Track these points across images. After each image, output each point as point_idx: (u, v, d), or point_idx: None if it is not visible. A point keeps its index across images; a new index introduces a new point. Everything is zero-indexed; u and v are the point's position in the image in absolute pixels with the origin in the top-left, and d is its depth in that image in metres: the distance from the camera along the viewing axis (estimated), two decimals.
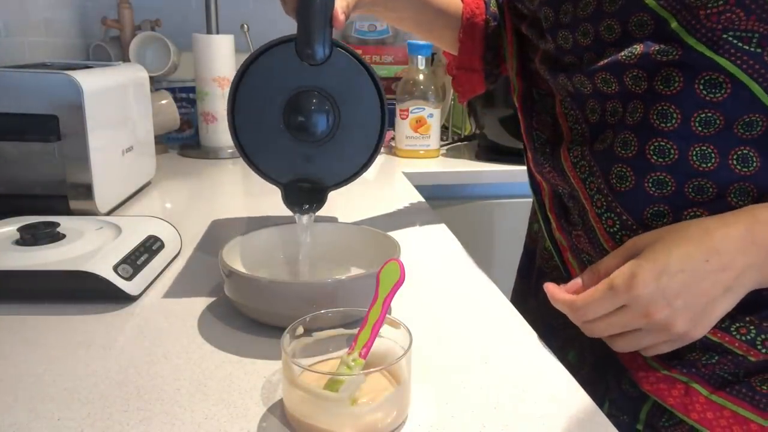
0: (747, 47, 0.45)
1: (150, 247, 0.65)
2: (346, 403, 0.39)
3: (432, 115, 1.31)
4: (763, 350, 0.49)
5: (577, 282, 0.51)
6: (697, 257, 0.45)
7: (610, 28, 0.52)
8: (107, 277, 0.56)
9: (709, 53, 0.46)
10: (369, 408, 0.39)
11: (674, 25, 0.47)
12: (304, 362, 0.44)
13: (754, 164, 0.47)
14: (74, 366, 0.48)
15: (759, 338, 0.49)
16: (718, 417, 0.51)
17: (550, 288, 0.52)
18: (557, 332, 0.61)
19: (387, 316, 0.44)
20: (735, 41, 0.46)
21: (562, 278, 0.62)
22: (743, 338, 0.50)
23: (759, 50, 0.45)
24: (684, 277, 0.45)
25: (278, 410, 0.43)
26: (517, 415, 0.43)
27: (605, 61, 0.52)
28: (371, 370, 0.41)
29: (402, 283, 0.45)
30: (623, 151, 0.51)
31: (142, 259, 0.62)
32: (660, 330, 0.46)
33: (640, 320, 0.46)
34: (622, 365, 0.56)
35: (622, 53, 0.51)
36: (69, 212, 0.80)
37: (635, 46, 0.50)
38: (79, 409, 0.42)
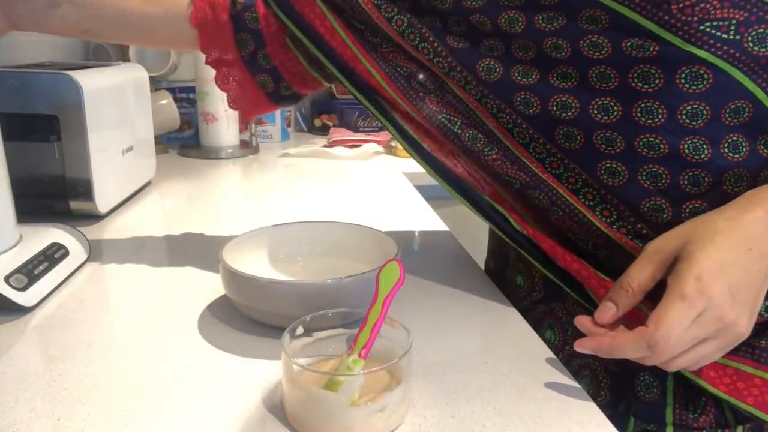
0: (726, 36, 0.45)
1: (51, 255, 0.62)
2: (346, 403, 0.39)
3: None
4: (765, 314, 0.49)
5: (609, 307, 0.46)
6: (741, 247, 0.43)
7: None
8: None
9: (687, 47, 0.46)
10: (369, 408, 0.39)
11: (645, 22, 0.47)
12: (304, 362, 0.44)
13: (744, 150, 0.48)
14: (74, 366, 0.48)
15: (763, 306, 0.49)
16: (721, 375, 0.51)
17: (595, 342, 0.45)
18: (565, 365, 0.55)
19: (387, 316, 0.44)
20: (712, 31, 0.45)
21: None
22: None
23: (738, 37, 0.45)
24: (738, 270, 0.43)
25: (278, 410, 0.43)
26: (517, 415, 0.43)
27: (565, 54, 0.50)
28: (371, 370, 0.41)
29: (402, 283, 0.45)
30: (609, 149, 0.50)
31: (41, 268, 0.59)
32: (727, 334, 0.43)
33: (713, 326, 0.42)
34: (632, 376, 0.54)
35: (584, 47, 0.49)
36: (69, 212, 0.80)
37: (600, 40, 0.49)
38: (79, 409, 0.42)
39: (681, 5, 0.45)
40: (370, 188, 1.07)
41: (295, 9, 0.60)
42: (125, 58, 1.27)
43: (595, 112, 0.51)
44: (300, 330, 0.45)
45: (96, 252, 0.71)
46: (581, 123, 0.51)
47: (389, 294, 0.45)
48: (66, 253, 0.64)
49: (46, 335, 0.53)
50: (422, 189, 1.07)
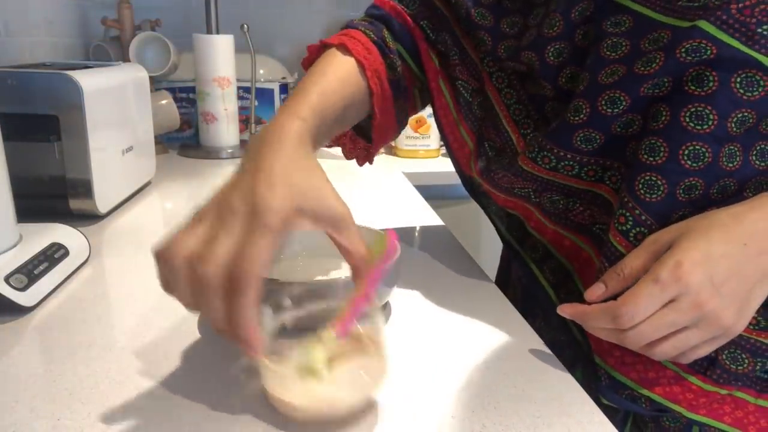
0: None
1: (51, 255, 0.62)
2: (314, 376, 0.39)
3: (432, 115, 1.31)
4: None
5: (599, 287, 0.47)
6: (735, 241, 0.43)
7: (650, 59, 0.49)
8: None
9: (745, 49, 0.45)
10: (328, 385, 0.39)
11: (702, 23, 0.45)
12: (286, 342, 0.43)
13: None
14: (74, 366, 0.48)
15: None
16: (759, 418, 0.51)
17: (571, 308, 0.48)
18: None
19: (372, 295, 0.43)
20: None
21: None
22: None
23: None
24: (728, 263, 0.43)
25: (279, 411, 0.43)
26: (517, 415, 0.43)
27: (615, 78, 0.49)
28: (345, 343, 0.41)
29: (389, 258, 0.43)
30: (651, 158, 0.48)
31: (41, 268, 0.59)
32: (708, 324, 0.43)
33: (691, 313, 0.43)
34: (666, 402, 0.53)
35: (638, 66, 0.48)
36: (69, 212, 0.80)
37: (654, 55, 0.48)
38: (79, 409, 0.42)
39: (741, 5, 0.44)
40: (370, 188, 1.07)
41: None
42: (125, 58, 1.27)
43: (650, 119, 0.49)
44: (287, 302, 0.44)
45: (96, 252, 0.71)
46: (635, 135, 0.50)
47: (374, 271, 0.43)
48: (66, 253, 0.64)
49: (46, 335, 0.53)
50: (422, 189, 1.07)
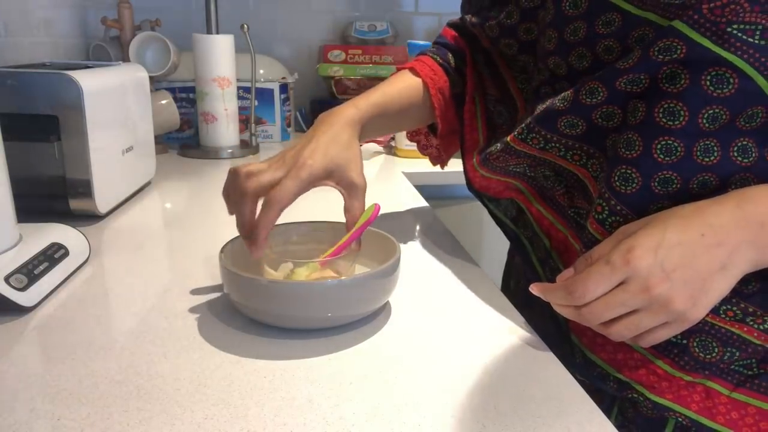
0: (751, 40, 0.44)
1: (52, 255, 0.62)
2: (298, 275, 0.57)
3: None
4: None
5: (569, 271, 0.50)
6: (692, 231, 0.45)
7: (608, 49, 0.52)
8: None
9: (715, 48, 0.45)
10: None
11: (677, 23, 0.46)
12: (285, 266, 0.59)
13: (753, 155, 0.47)
14: (74, 366, 0.48)
15: None
16: (743, 416, 0.52)
17: (539, 285, 0.50)
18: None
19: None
20: (739, 34, 0.45)
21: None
22: (760, 327, 0.50)
23: (763, 42, 0.44)
24: (681, 251, 0.44)
25: (278, 410, 0.43)
26: (517, 415, 0.43)
27: (599, 72, 0.51)
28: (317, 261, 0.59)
29: (370, 223, 0.58)
30: (627, 152, 0.50)
31: (41, 268, 0.59)
32: (659, 308, 0.45)
33: (640, 295, 0.44)
34: (631, 382, 0.55)
35: (618, 61, 0.50)
36: (69, 212, 0.80)
37: (633, 52, 0.49)
38: (79, 409, 0.42)
39: (712, 5, 0.45)
40: (370, 188, 1.07)
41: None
42: (125, 58, 1.27)
43: (629, 114, 0.51)
44: (294, 237, 0.62)
45: (96, 252, 0.71)
46: (619, 128, 0.52)
47: (361, 226, 0.58)
48: (66, 253, 0.64)
49: (46, 335, 0.53)
50: (422, 189, 1.07)
